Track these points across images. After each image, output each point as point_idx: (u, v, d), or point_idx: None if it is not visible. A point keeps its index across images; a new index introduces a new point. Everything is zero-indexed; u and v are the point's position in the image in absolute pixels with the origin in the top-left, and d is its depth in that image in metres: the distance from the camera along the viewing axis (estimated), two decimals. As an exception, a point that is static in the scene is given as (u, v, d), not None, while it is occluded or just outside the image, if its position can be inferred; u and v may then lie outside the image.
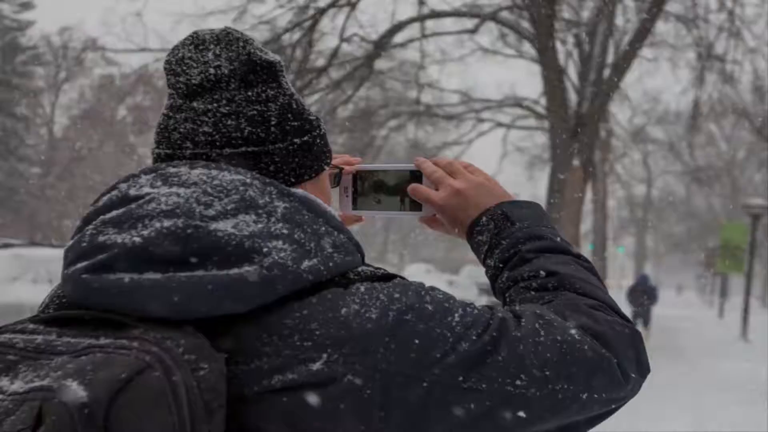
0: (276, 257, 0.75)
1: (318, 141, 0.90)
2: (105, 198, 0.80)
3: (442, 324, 0.78)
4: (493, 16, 14.59)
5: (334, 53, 13.69)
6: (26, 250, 10.22)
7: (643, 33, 13.32)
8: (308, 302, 0.75)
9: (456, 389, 0.76)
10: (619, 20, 14.72)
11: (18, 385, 0.67)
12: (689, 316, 25.66)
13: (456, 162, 1.08)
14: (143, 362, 0.66)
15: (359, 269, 0.82)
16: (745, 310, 18.37)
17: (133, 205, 0.77)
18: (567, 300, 0.90)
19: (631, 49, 13.52)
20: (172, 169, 0.80)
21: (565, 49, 16.27)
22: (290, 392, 0.72)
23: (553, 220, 1.27)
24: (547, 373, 0.80)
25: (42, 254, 9.78)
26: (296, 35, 12.93)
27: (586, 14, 15.45)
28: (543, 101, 15.71)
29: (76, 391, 0.64)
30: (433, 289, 0.83)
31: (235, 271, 0.73)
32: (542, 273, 0.94)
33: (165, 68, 0.87)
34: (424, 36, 15.57)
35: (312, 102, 13.48)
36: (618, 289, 31.34)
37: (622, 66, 13.69)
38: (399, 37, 15.04)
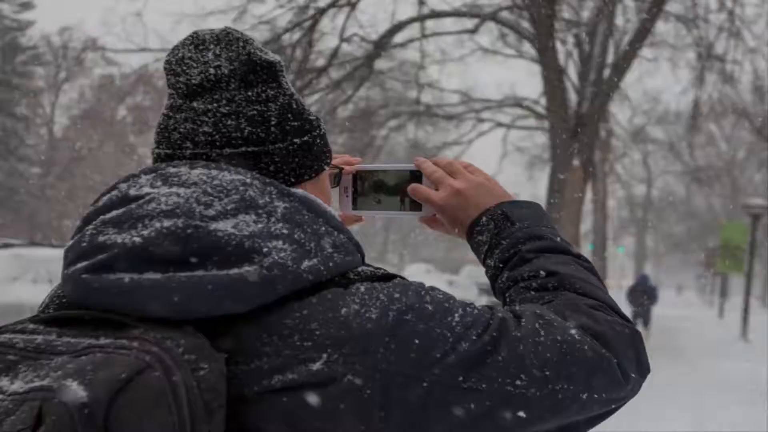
0: (276, 257, 0.75)
1: (318, 141, 0.90)
2: (105, 198, 0.80)
3: (442, 324, 0.78)
4: (493, 16, 14.59)
5: (334, 53, 13.68)
6: (26, 250, 10.22)
7: (643, 33, 13.32)
8: (308, 302, 0.75)
9: (456, 389, 0.76)
10: (619, 20, 14.75)
11: (18, 385, 0.67)
12: (689, 316, 25.64)
13: (456, 162, 1.08)
14: (143, 362, 0.66)
15: (359, 269, 0.82)
16: (745, 310, 18.37)
17: (133, 205, 0.77)
18: (567, 300, 0.90)
19: (631, 49, 13.52)
20: (172, 169, 0.80)
21: (565, 49, 16.29)
22: (290, 392, 0.72)
23: (553, 220, 1.27)
24: (547, 373, 0.80)
25: (42, 254, 9.77)
26: (296, 35, 12.93)
27: (586, 14, 15.46)
28: (543, 101, 15.71)
29: (76, 391, 0.64)
30: (433, 289, 0.83)
31: (235, 271, 0.73)
32: (542, 273, 0.94)
33: (165, 68, 0.87)
34: (424, 36, 15.57)
35: (312, 102, 13.48)
36: (618, 289, 31.32)
37: (622, 66, 13.69)
38: (399, 37, 15.07)
